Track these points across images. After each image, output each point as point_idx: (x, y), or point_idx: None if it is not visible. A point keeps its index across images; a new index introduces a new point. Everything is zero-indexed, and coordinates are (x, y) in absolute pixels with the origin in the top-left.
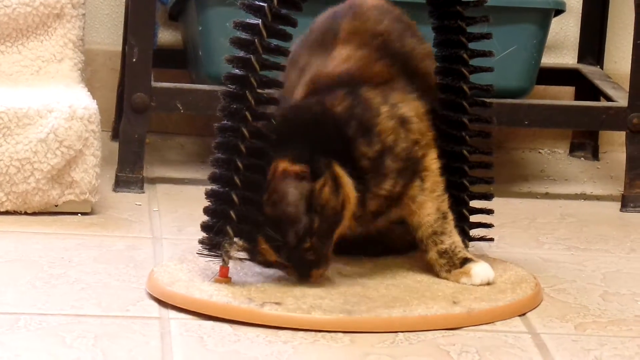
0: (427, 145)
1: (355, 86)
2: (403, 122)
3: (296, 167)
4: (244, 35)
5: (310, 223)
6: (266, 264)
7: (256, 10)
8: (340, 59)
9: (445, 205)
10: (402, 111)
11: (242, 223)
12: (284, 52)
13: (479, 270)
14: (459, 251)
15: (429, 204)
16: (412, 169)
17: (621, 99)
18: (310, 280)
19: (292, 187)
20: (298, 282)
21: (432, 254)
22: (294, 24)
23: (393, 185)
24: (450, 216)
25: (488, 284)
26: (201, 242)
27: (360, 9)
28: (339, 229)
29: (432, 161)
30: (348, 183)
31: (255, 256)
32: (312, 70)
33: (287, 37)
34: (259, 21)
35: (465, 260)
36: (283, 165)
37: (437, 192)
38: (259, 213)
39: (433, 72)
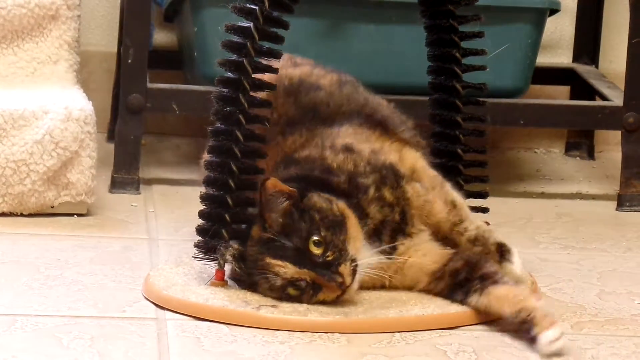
0: (393, 150)
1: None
2: (347, 148)
3: (285, 186)
4: (236, 38)
5: (313, 222)
6: (278, 290)
7: (248, 14)
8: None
9: (450, 195)
10: (344, 141)
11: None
12: (276, 55)
13: (517, 259)
14: (489, 235)
15: (437, 200)
16: (389, 174)
17: (616, 98)
18: (342, 282)
19: (281, 197)
20: (331, 293)
21: (465, 245)
22: (285, 27)
23: (375, 193)
24: (459, 201)
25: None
26: (197, 245)
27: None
28: (350, 230)
29: (412, 159)
30: (337, 200)
31: (265, 283)
32: None
33: (279, 40)
34: (251, 24)
35: (501, 246)
36: (273, 181)
37: (437, 186)
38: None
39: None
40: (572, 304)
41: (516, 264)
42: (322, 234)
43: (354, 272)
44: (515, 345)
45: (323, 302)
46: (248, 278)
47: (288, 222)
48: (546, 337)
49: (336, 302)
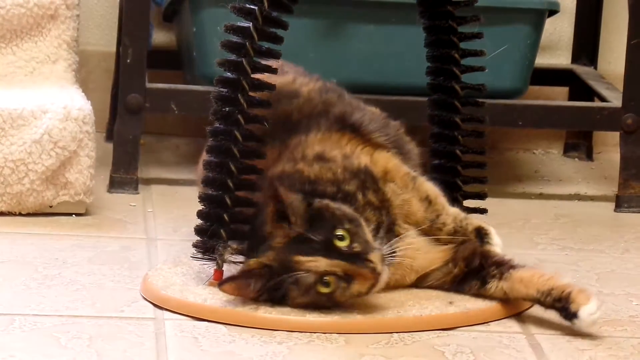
0: (364, 153)
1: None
2: (320, 157)
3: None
4: (235, 38)
5: (335, 217)
6: (309, 289)
7: (247, 14)
8: None
9: (423, 191)
10: (314, 150)
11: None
12: (276, 55)
13: (497, 238)
14: (466, 224)
15: (412, 199)
16: (367, 178)
17: (615, 100)
18: (374, 268)
19: (297, 201)
20: (369, 285)
21: (446, 240)
22: (284, 27)
23: (363, 198)
24: (433, 194)
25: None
26: (195, 245)
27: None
28: (365, 227)
29: (383, 161)
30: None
31: (295, 289)
32: None
33: (278, 40)
34: (250, 24)
35: (479, 230)
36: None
37: (409, 184)
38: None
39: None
40: None
41: (496, 243)
42: (346, 226)
43: (383, 260)
44: (513, 346)
45: (358, 297)
46: (276, 291)
47: (310, 222)
48: (587, 311)
49: (368, 294)
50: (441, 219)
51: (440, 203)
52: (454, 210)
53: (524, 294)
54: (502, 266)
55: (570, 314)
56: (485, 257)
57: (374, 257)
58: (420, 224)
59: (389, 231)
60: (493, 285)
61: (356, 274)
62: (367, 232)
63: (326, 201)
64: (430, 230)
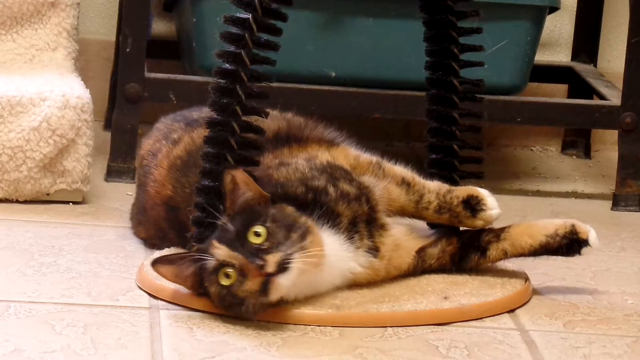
0: (322, 151)
1: None
2: (283, 163)
3: (258, 188)
4: (234, 29)
5: (265, 215)
6: (210, 275)
7: (246, 5)
8: None
9: (397, 175)
10: (275, 161)
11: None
12: (274, 47)
13: (491, 201)
14: (450, 197)
15: (391, 186)
16: (335, 170)
17: (614, 98)
18: (263, 265)
19: (248, 192)
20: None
21: (434, 218)
22: (284, 19)
23: (335, 190)
24: (408, 175)
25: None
26: (191, 237)
27: None
28: (310, 242)
29: (342, 155)
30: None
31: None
32: None
33: (278, 32)
34: (249, 16)
35: (468, 200)
36: (244, 176)
37: (379, 172)
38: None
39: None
40: (565, 302)
41: (491, 207)
42: (267, 225)
43: (282, 264)
44: (507, 342)
45: (254, 296)
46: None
47: (243, 211)
48: (592, 236)
49: (268, 297)
50: (425, 198)
51: (419, 182)
52: (435, 185)
53: (530, 245)
54: (495, 229)
55: (581, 243)
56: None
57: (271, 257)
58: (406, 208)
59: (371, 223)
60: (493, 249)
61: (247, 269)
62: (304, 238)
63: (285, 206)
64: (416, 212)
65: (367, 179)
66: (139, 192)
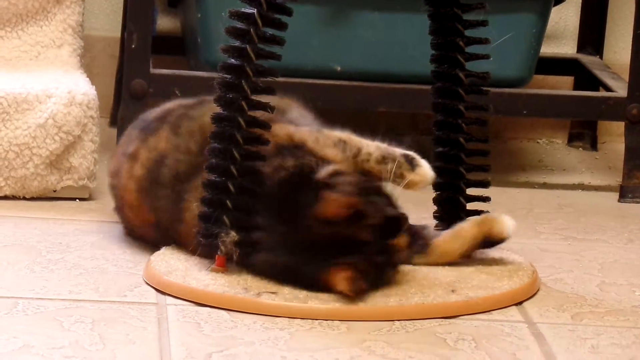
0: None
1: None
2: None
3: None
4: (239, 24)
5: None
6: None
7: (251, 0)
8: None
9: (333, 136)
10: None
11: (239, 213)
12: (280, 41)
13: (425, 162)
14: (392, 150)
15: (325, 149)
16: (291, 152)
17: (620, 89)
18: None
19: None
20: None
21: (376, 169)
22: (289, 13)
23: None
24: (345, 135)
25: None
26: (198, 232)
27: None
28: None
29: (280, 129)
30: None
31: None
32: None
33: (283, 26)
34: (254, 10)
35: (406, 156)
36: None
37: (318, 136)
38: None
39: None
40: (573, 294)
41: (427, 167)
42: None
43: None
44: (515, 334)
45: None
46: None
47: None
48: (509, 229)
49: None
50: (364, 150)
51: (356, 139)
52: (373, 143)
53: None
54: (420, 239)
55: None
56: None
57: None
58: (347, 164)
59: None
60: (420, 260)
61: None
62: None
63: None
64: (359, 166)
65: (309, 146)
66: (120, 214)
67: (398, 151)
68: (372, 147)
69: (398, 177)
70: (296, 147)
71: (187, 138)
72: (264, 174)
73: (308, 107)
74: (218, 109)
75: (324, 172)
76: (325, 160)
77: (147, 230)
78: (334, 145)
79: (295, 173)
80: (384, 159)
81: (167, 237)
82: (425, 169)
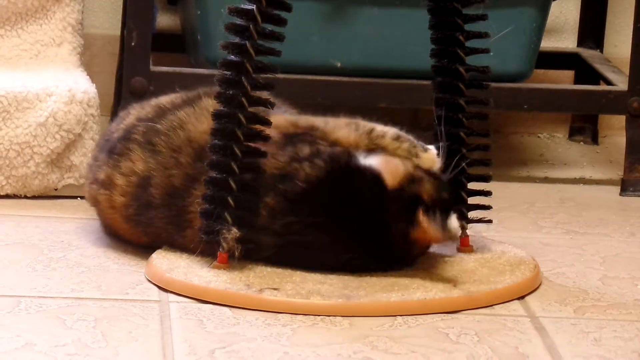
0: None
1: None
2: None
3: None
4: (238, 21)
5: None
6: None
7: None
8: None
9: (339, 121)
10: None
11: (240, 209)
12: (279, 37)
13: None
14: (404, 132)
15: (336, 130)
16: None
17: (621, 83)
18: None
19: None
20: None
21: (392, 147)
22: (288, 9)
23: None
24: (351, 119)
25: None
26: (199, 228)
27: None
28: None
29: (281, 120)
30: None
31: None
32: None
33: (282, 22)
34: (254, 6)
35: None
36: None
37: (316, 121)
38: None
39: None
40: (575, 288)
41: (433, 148)
42: None
43: None
44: (517, 329)
45: None
46: None
47: None
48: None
49: None
50: (377, 129)
51: (364, 122)
52: (382, 125)
53: None
54: None
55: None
56: None
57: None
58: (360, 143)
59: None
60: None
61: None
62: None
63: None
64: (373, 144)
65: (320, 131)
66: (110, 234)
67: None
68: (382, 127)
69: (414, 156)
70: (305, 133)
71: (171, 153)
72: (279, 166)
73: (291, 103)
74: (181, 113)
75: (395, 178)
76: (338, 143)
77: (144, 242)
78: (346, 125)
79: (331, 168)
80: (399, 137)
81: (169, 245)
82: (433, 154)
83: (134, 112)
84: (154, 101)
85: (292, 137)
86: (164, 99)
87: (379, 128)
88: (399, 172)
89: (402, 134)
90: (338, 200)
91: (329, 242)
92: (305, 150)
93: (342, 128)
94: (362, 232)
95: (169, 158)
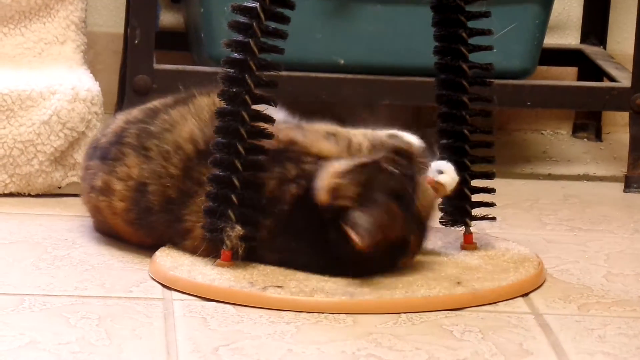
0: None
1: None
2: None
3: None
4: (242, 18)
5: None
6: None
7: None
8: None
9: (319, 130)
10: None
11: (244, 207)
12: (282, 35)
13: (410, 135)
14: (378, 135)
15: (318, 142)
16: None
17: (624, 80)
18: None
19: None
20: None
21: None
22: (292, 7)
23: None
24: (329, 127)
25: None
26: (203, 226)
27: None
28: None
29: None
30: None
31: None
32: None
33: (285, 20)
34: (257, 4)
35: (391, 135)
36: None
37: (305, 131)
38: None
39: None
40: (579, 285)
41: (413, 139)
42: None
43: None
44: (521, 326)
45: None
46: None
47: None
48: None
49: None
50: (354, 141)
51: (343, 130)
52: (358, 130)
53: None
54: None
55: None
56: None
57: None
58: (342, 154)
59: None
60: None
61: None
62: None
63: None
64: (351, 156)
65: (299, 145)
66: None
67: (383, 133)
68: (359, 136)
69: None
70: (286, 149)
71: (161, 161)
72: (270, 187)
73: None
74: (176, 113)
75: (323, 193)
76: (321, 157)
77: (150, 245)
78: (325, 138)
79: (308, 187)
80: (374, 148)
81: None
82: (413, 139)
83: (121, 117)
84: (140, 106)
85: (276, 154)
86: (153, 102)
87: (355, 140)
88: (328, 185)
89: (377, 137)
90: (311, 220)
91: (313, 263)
92: (292, 171)
93: (322, 140)
94: (330, 253)
95: (161, 168)
